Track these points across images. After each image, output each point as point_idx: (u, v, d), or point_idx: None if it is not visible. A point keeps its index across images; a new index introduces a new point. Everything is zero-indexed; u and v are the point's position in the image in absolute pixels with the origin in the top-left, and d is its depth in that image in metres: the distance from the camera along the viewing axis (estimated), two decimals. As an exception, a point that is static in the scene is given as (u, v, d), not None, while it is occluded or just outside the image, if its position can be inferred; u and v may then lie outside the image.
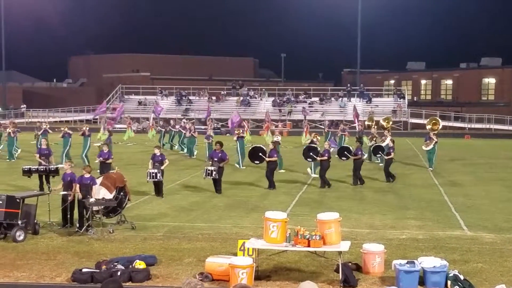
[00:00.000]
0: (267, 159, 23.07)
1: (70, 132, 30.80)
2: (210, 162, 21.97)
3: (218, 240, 14.67)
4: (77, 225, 15.44)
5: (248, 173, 27.00)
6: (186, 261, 12.89)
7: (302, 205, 19.73)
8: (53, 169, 20.83)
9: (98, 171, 22.00)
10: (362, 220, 17.32)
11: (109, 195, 16.08)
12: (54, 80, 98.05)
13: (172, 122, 40.29)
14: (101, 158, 23.05)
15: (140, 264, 12.05)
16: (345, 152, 24.91)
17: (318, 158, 23.49)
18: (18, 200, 14.65)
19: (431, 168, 29.75)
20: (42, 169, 20.87)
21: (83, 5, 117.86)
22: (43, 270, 12.21)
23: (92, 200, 15.28)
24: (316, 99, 68.71)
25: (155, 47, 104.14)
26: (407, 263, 11.54)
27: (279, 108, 66.17)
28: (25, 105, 73.22)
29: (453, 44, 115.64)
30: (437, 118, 39.36)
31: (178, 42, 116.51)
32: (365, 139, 33.28)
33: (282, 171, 27.46)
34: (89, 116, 62.68)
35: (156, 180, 20.69)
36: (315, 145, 25.13)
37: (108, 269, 11.82)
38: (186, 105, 68.34)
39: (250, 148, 24.65)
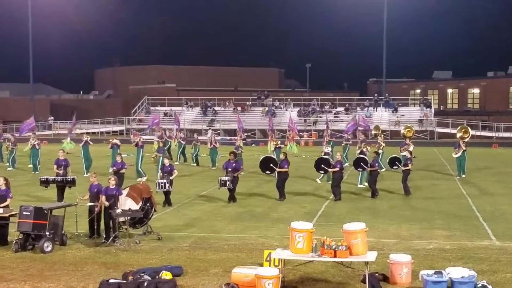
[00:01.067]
0: (278, 169, 22.95)
1: (119, 143, 31.00)
2: (225, 172, 22.09)
3: (244, 251, 14.67)
4: (104, 236, 15.54)
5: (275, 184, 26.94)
6: (212, 271, 12.90)
7: (328, 215, 19.65)
8: (69, 179, 21.21)
9: None
10: (389, 230, 17.19)
11: (135, 206, 16.17)
12: (81, 92, 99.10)
13: (195, 135, 40.10)
14: (114, 168, 23.19)
15: (166, 275, 12.08)
16: (361, 164, 24.19)
17: (330, 170, 23.06)
18: (46, 211, 14.78)
19: (463, 176, 29.74)
20: (59, 180, 21.22)
21: (109, 17, 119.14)
22: (70, 281, 12.30)
23: (118, 211, 15.37)
24: (342, 109, 68.58)
25: (181, 59, 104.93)
26: (434, 273, 11.43)
27: (305, 118, 66.12)
28: (52, 117, 74.10)
29: (480, 52, 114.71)
30: (467, 126, 38.96)
31: (203, 53, 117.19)
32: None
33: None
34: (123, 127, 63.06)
35: (165, 190, 20.93)
36: (327, 157, 24.94)
37: (134, 279, 11.87)
38: (212, 116, 68.63)
39: (262, 158, 24.61)
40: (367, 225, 12.03)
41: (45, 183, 21.30)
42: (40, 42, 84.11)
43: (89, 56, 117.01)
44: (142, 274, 12.05)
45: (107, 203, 15.60)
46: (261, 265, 12.38)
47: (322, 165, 23.58)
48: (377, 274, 12.10)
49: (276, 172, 23.59)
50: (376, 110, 67.29)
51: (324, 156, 25.09)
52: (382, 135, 35.24)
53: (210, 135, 46.06)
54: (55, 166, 22.54)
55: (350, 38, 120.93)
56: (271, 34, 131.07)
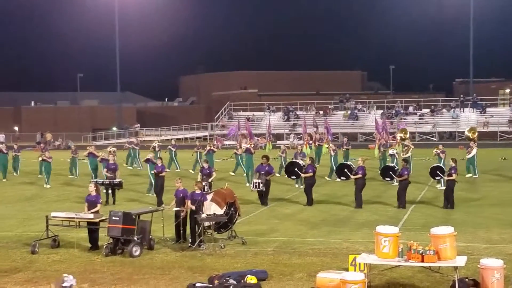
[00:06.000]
0: (303, 175, 22.83)
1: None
2: (257, 175, 22.53)
3: (329, 255, 14.56)
4: (190, 240, 15.77)
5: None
6: (297, 276, 12.86)
7: (414, 219, 19.25)
8: (117, 182, 23.20)
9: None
10: (479, 234, 16.67)
11: (219, 211, 16.34)
12: (166, 100, 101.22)
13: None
14: (154, 171, 23.72)
15: (251, 279, 12.14)
16: (390, 172, 23.12)
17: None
18: (134, 217, 15.14)
19: (475, 176, 28.81)
20: (107, 182, 23.07)
21: (192, 26, 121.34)
22: (158, 285, 12.55)
23: (203, 215, 15.57)
24: (427, 110, 67.20)
25: (263, 64, 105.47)
26: (528, 279, 10.99)
27: (389, 121, 65.18)
28: (138, 125, 76.08)
29: None
30: (475, 127, 37.17)
31: (285, 58, 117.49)
32: (387, 152, 31.12)
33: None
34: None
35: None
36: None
37: (220, 284, 11.98)
38: (294, 120, 68.65)
39: (288, 162, 24.62)
40: (455, 229, 11.73)
41: None
42: (127, 52, 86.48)
43: (174, 64, 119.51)
44: (228, 278, 12.15)
45: (193, 207, 15.82)
46: (346, 269, 12.25)
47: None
48: (467, 280, 11.73)
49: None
50: (463, 111, 65.57)
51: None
52: (409, 138, 34.17)
53: (292, 139, 46.01)
54: (105, 170, 24.39)
55: (435, 37, 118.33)
56: (354, 37, 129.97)
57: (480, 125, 61.12)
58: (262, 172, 22.37)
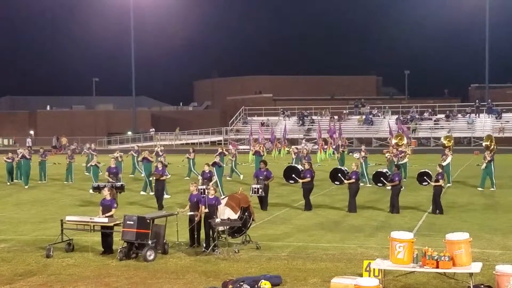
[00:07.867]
0: (301, 180, 22.77)
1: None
2: (255, 180, 22.48)
3: (343, 261, 14.51)
4: (204, 245, 15.78)
5: (371, 193, 26.57)
6: (311, 281, 12.83)
7: (429, 225, 19.15)
8: (118, 185, 23.37)
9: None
10: (494, 240, 16.56)
11: (234, 215, 16.33)
12: (181, 104, 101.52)
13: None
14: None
15: (265, 284, 12.11)
16: (381, 178, 22.90)
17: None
18: (148, 221, 15.17)
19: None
20: (109, 186, 22.77)
21: (206, 31, 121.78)
22: (172, 289, 12.57)
23: (217, 220, 15.58)
24: (442, 116, 66.91)
25: (277, 69, 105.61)
26: (545, 286, 10.88)
27: (407, 126, 65.01)
28: (153, 129, 76.33)
29: None
30: (491, 135, 35.79)
31: (300, 62, 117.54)
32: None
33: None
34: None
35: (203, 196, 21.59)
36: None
37: (234, 288, 11.97)
38: (309, 125, 68.62)
39: (286, 167, 24.57)
40: (471, 235, 11.66)
41: (97, 189, 23.12)
42: (142, 57, 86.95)
43: (189, 68, 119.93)
44: (242, 283, 12.13)
45: (206, 210, 15.84)
46: (361, 275, 12.20)
47: (339, 175, 22.92)
48: (482, 286, 11.64)
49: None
50: (479, 117, 65.22)
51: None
52: (404, 144, 33.80)
53: (303, 145, 46.01)
54: (107, 173, 24.56)
55: (450, 42, 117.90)
56: (369, 42, 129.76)
57: (496, 131, 60.78)
58: (261, 177, 22.40)
